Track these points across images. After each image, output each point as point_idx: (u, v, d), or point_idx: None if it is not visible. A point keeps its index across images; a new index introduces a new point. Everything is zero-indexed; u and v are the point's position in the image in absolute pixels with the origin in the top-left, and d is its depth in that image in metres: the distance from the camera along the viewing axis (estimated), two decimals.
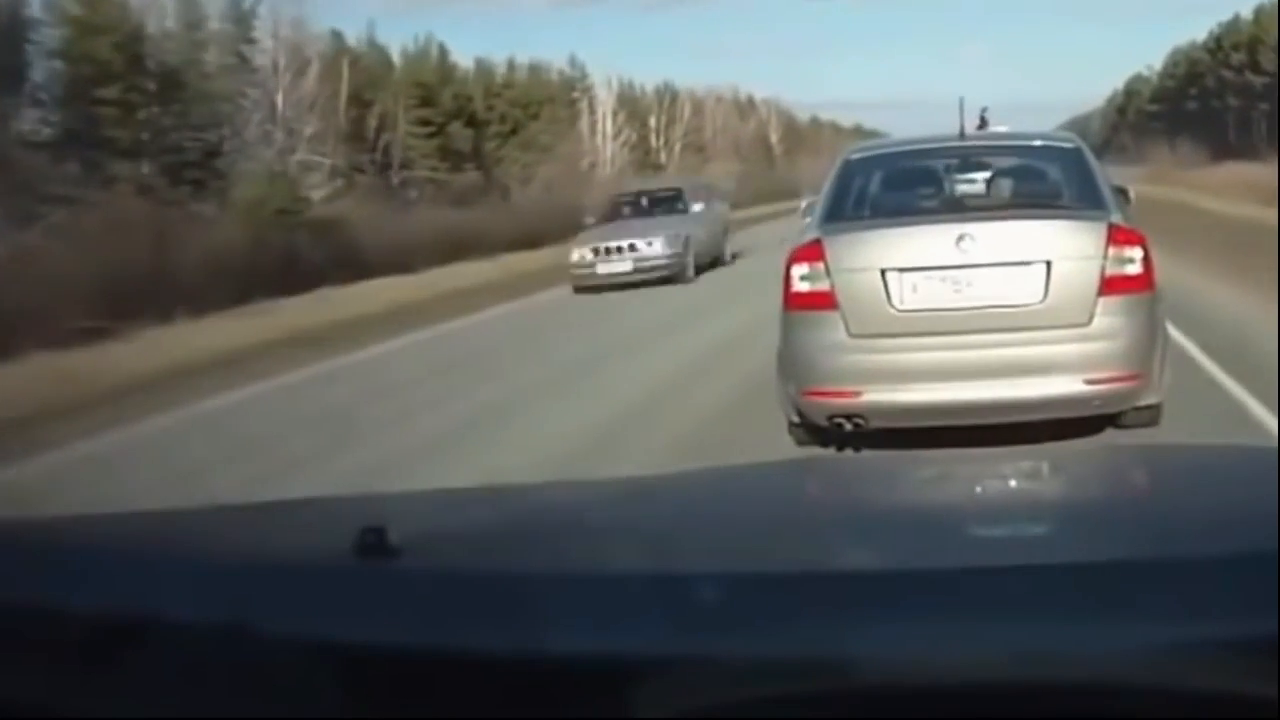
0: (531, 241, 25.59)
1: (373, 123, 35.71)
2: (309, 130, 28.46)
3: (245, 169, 25.91)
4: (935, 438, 5.08)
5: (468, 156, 40.61)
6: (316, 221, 22.46)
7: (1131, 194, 6.51)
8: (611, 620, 0.97)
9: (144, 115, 25.79)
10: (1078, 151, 6.22)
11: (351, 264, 19.22)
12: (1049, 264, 5.31)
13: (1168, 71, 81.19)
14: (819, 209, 5.98)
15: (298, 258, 18.62)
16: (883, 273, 5.38)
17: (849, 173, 6.21)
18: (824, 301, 5.43)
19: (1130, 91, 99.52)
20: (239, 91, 27.86)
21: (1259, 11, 60.94)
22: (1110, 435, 5.53)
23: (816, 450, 5.62)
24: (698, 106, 58.88)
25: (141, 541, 1.32)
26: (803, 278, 5.50)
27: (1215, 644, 0.89)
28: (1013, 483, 1.66)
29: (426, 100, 39.61)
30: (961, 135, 6.48)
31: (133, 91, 25.50)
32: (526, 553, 1.25)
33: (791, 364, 5.64)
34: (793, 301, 5.55)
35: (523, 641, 0.95)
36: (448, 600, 1.01)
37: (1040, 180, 6.26)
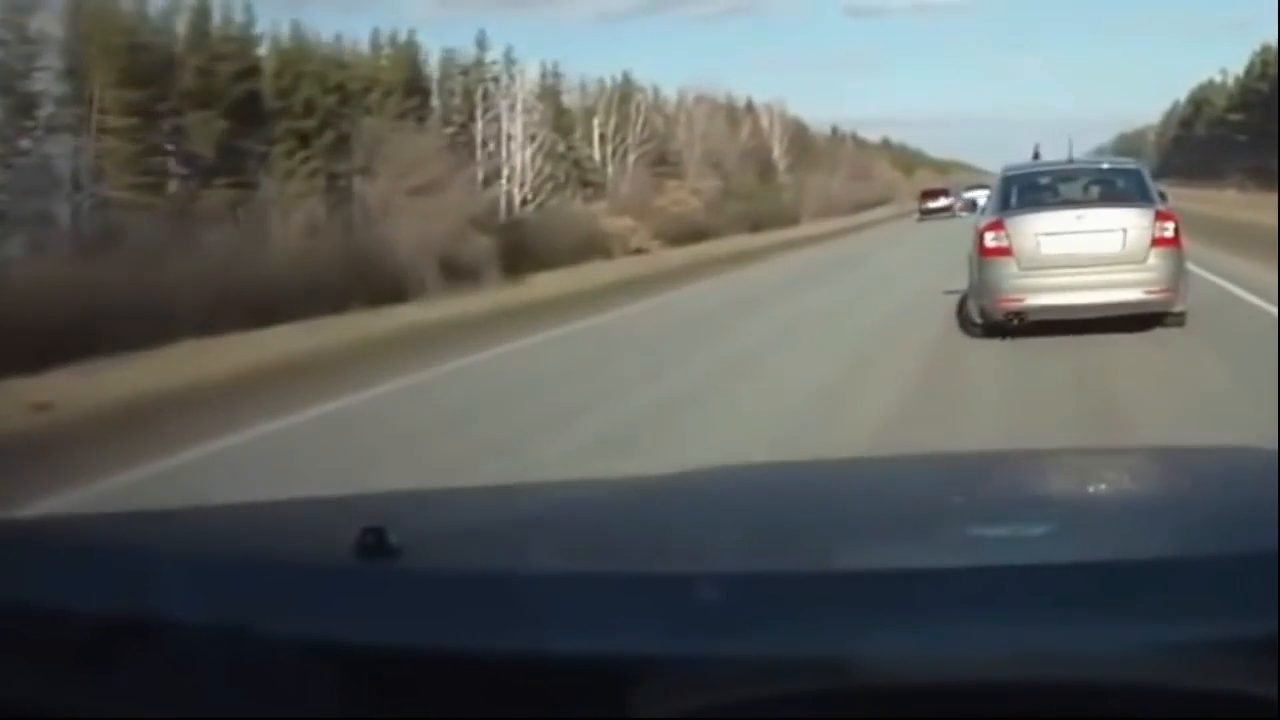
0: (199, 321, 13.38)
1: (46, 110, 21.40)
2: None
3: None
4: (1064, 326, 9.60)
5: (220, 166, 25.50)
6: None
7: (1169, 196, 10.92)
8: (611, 620, 0.97)
9: None
10: (1138, 170, 11.09)
11: None
12: (1125, 230, 9.73)
13: (1254, 73, 67.11)
14: (994, 202, 10.59)
15: None
16: (1036, 235, 9.83)
17: (1006, 181, 10.82)
18: (1005, 251, 9.80)
19: (1199, 101, 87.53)
20: None
21: None
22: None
23: (984, 341, 9.95)
24: (663, 108, 46.82)
25: (141, 541, 1.32)
26: (993, 238, 9.90)
27: (1215, 644, 0.89)
28: (1013, 483, 1.66)
29: (139, 78, 23.98)
30: (1070, 161, 11.41)
31: None
32: (526, 553, 1.25)
33: (982, 285, 10.04)
34: (986, 251, 9.94)
35: (523, 641, 0.95)
36: (448, 600, 1.01)
37: (1114, 186, 10.60)
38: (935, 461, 2.29)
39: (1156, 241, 9.63)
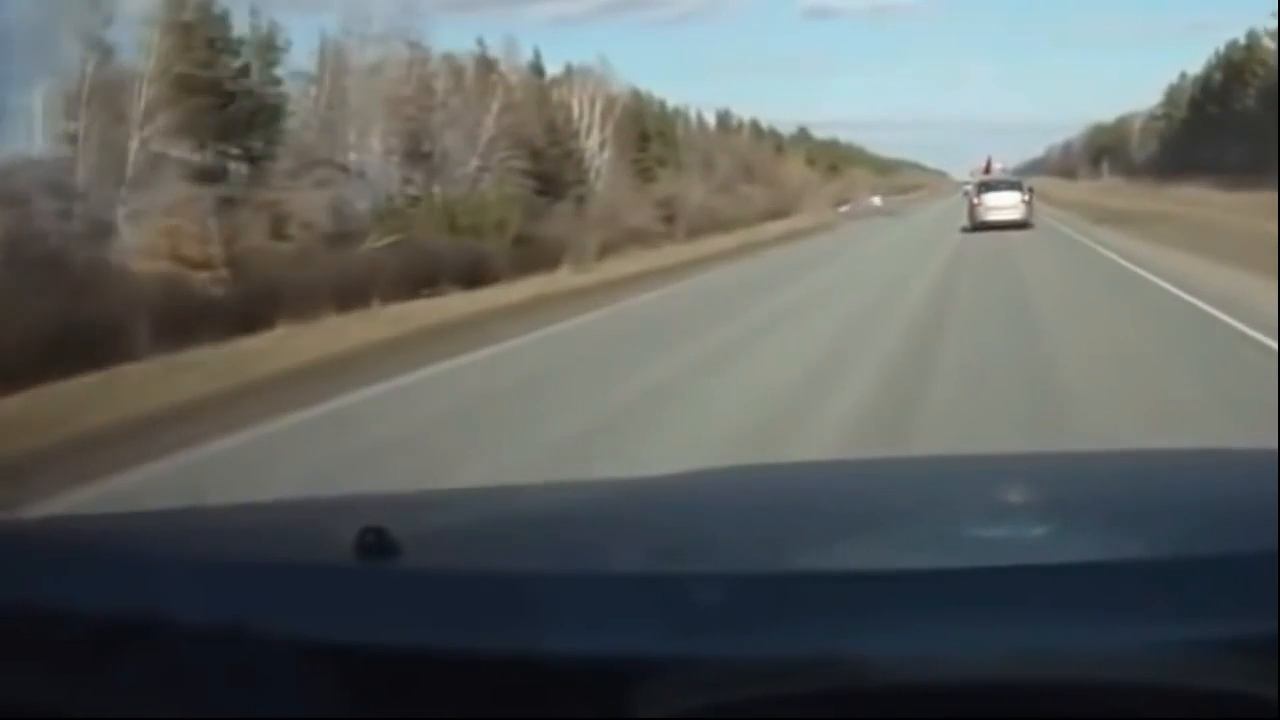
0: None
1: None
2: None
3: None
4: (997, 227, 32.89)
5: None
6: None
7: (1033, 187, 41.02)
8: (611, 620, 0.97)
9: None
10: (1020, 180, 41.59)
11: None
12: (1015, 197, 36.75)
13: None
14: (974, 191, 38.81)
15: None
16: (988, 198, 36.80)
17: (979, 184, 39.65)
18: (979, 205, 36.06)
19: (1233, 66, 61.87)
20: None
21: None
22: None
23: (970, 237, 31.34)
24: (344, 62, 26.25)
25: (141, 541, 1.32)
26: (975, 201, 36.53)
27: (1215, 644, 0.89)
28: (1012, 484, 1.66)
29: None
30: (1002, 174, 50.20)
31: None
32: (526, 553, 1.25)
33: (971, 216, 35.82)
34: (972, 206, 36.47)
35: (522, 641, 0.95)
36: (448, 600, 1.01)
37: (1012, 184, 39.21)
38: (935, 463, 2.29)
39: (1024, 202, 34.69)
